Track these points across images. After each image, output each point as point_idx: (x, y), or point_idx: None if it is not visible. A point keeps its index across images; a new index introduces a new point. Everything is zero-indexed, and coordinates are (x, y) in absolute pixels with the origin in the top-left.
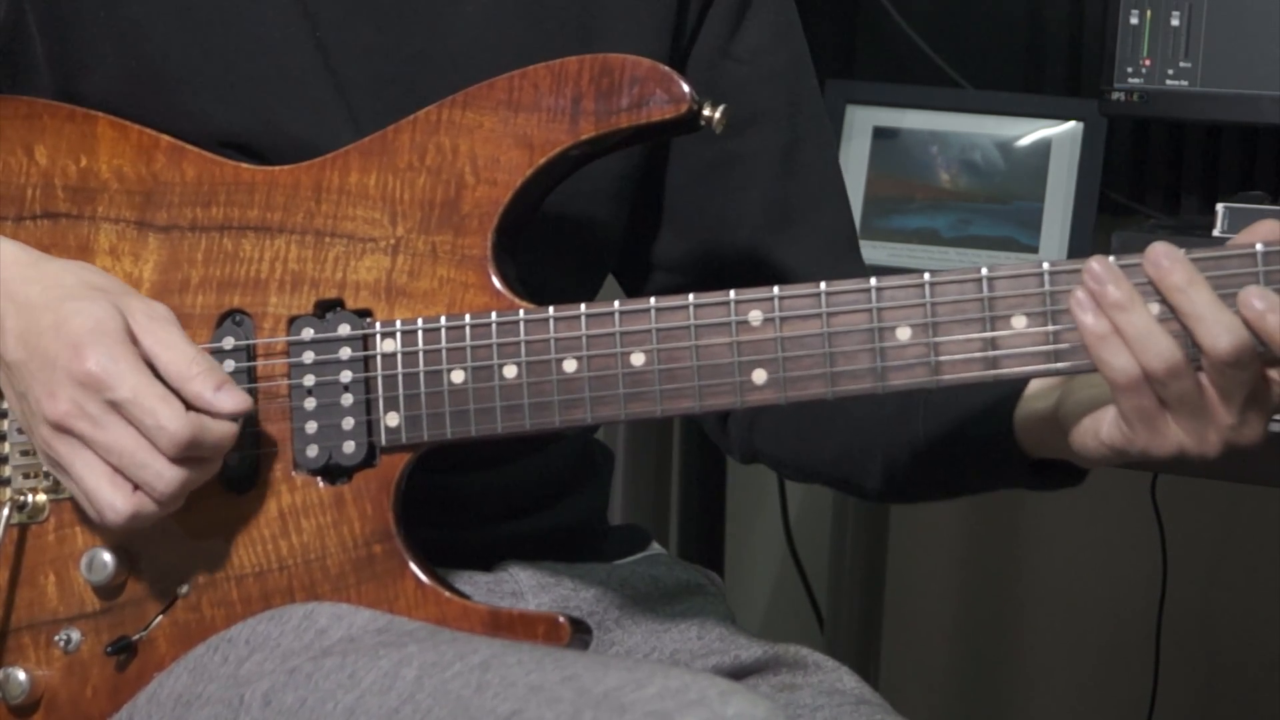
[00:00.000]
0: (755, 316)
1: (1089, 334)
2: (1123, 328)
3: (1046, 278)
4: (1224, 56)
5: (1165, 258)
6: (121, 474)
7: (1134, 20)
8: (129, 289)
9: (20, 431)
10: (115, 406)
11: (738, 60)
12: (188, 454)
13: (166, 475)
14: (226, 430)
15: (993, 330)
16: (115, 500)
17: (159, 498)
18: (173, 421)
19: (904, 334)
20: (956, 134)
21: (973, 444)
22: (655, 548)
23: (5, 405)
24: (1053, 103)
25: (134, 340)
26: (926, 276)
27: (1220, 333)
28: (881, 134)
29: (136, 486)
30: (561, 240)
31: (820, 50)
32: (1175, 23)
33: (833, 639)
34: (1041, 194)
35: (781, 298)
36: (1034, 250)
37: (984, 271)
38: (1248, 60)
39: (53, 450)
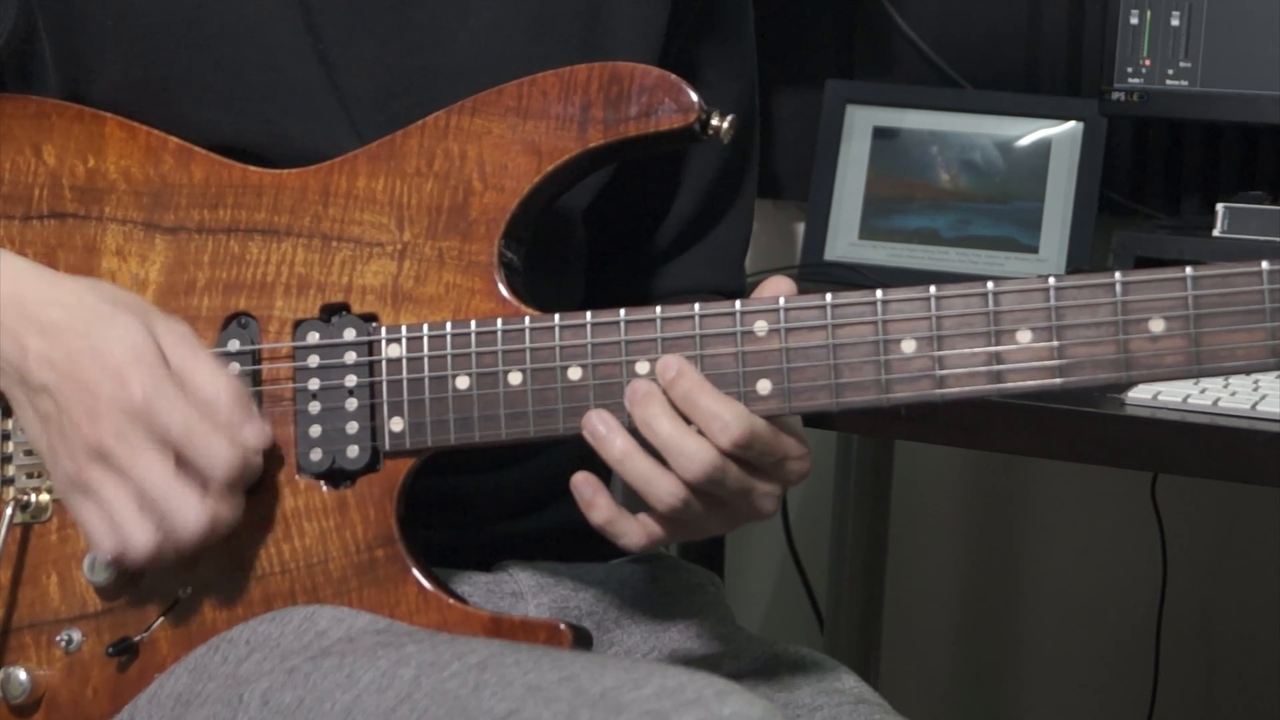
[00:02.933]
0: (760, 327)
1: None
2: (625, 473)
3: (1052, 293)
4: (1224, 56)
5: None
6: (148, 508)
7: (1134, 20)
8: (148, 305)
9: (24, 431)
10: (162, 439)
11: (706, 84)
12: (235, 485)
13: (194, 516)
14: (258, 465)
15: (997, 344)
16: (142, 531)
17: (183, 537)
18: (224, 458)
19: (909, 347)
20: (956, 134)
21: None
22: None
23: (15, 408)
24: (1053, 103)
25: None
26: (932, 289)
27: (685, 463)
28: (881, 134)
29: (160, 521)
30: (547, 239)
31: (820, 50)
32: (1175, 23)
33: (833, 639)
34: (1041, 194)
35: (787, 309)
36: (1034, 250)
37: (989, 286)
38: (1248, 60)
39: (84, 475)
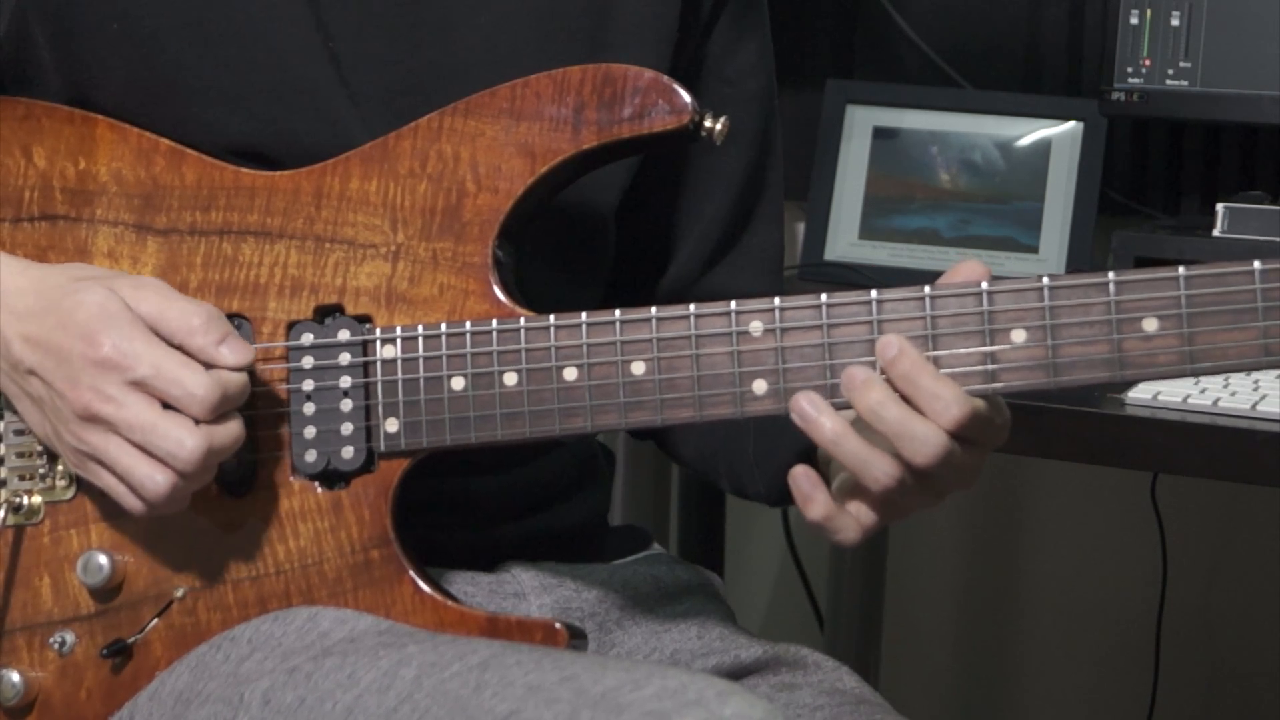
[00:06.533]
0: (756, 327)
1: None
2: (839, 455)
3: (1046, 292)
4: (1224, 56)
5: (859, 384)
6: (149, 451)
7: (1134, 20)
8: (116, 273)
9: (17, 433)
10: (137, 385)
11: (726, 82)
12: (216, 414)
13: (189, 443)
14: (242, 381)
15: (992, 344)
16: (154, 474)
17: (184, 466)
18: (200, 386)
19: None
20: (956, 134)
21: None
22: (656, 548)
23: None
24: (1053, 103)
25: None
26: (926, 289)
27: (917, 448)
28: (881, 134)
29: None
30: (568, 252)
31: (820, 50)
32: (1175, 23)
33: (833, 639)
34: (1041, 194)
35: (782, 309)
36: (1034, 250)
37: (984, 285)
38: (1248, 60)
39: (84, 442)
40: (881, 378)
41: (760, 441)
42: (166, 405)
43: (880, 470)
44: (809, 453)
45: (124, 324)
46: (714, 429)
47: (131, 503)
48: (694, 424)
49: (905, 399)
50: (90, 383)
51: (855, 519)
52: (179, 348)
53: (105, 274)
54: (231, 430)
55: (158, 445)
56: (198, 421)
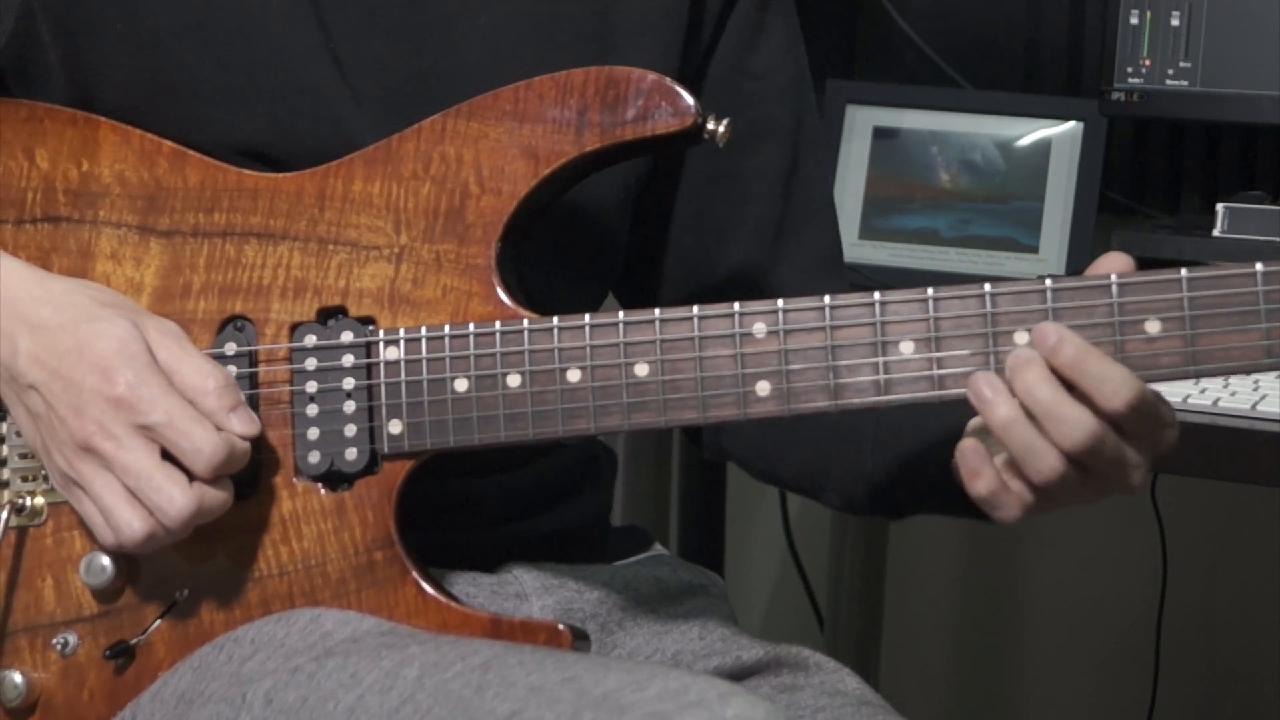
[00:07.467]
0: (759, 329)
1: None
2: (1007, 441)
3: (1049, 294)
4: (1224, 56)
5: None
6: (136, 496)
7: (1134, 20)
8: (137, 306)
9: (19, 434)
10: (145, 430)
11: (751, 77)
12: (217, 475)
13: (179, 501)
14: (246, 450)
15: (995, 345)
16: (133, 520)
17: (169, 522)
18: (208, 443)
19: (907, 348)
20: (956, 134)
21: (916, 484)
22: (658, 549)
23: (8, 410)
24: (1052, 103)
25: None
26: (930, 291)
27: (1067, 431)
28: (881, 134)
29: (151, 510)
30: (567, 250)
31: (820, 50)
32: (1175, 23)
33: (833, 639)
34: (1041, 194)
35: (786, 310)
36: (1034, 250)
37: (986, 288)
38: (1248, 60)
39: (74, 470)
40: (1042, 360)
41: (879, 456)
42: (165, 456)
43: (1044, 463)
44: (944, 468)
45: (142, 366)
46: (819, 447)
47: (104, 535)
48: (783, 443)
49: (1071, 386)
50: (96, 416)
51: (1019, 498)
52: (188, 403)
53: (129, 306)
54: (221, 496)
55: (148, 495)
56: (192, 480)
